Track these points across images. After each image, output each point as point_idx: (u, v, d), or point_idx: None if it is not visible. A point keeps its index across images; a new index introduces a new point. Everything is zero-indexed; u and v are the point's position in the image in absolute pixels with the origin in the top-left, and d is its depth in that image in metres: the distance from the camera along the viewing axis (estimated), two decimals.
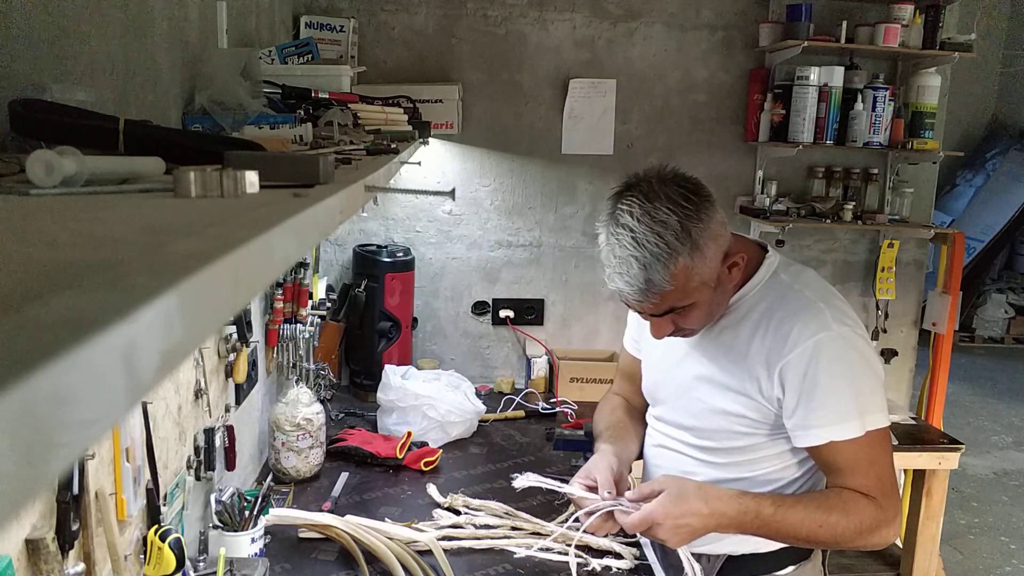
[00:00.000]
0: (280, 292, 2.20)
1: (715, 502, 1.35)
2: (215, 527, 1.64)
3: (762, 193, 3.08)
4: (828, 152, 3.05)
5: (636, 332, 1.75)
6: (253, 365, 2.04)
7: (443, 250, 3.11)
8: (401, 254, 2.94)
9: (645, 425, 1.71)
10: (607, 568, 1.77)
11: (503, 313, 3.14)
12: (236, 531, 1.64)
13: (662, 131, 3.11)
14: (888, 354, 3.30)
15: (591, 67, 3.05)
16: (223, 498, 1.66)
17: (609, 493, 1.43)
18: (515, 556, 1.80)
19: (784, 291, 1.42)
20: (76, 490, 1.10)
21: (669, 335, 1.44)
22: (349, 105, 1.82)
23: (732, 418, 1.45)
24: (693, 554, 1.49)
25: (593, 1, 3.02)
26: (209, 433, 1.65)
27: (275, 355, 2.28)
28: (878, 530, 1.36)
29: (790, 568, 1.51)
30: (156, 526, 1.32)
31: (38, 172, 0.66)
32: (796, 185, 3.16)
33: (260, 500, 1.69)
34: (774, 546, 1.47)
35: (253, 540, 1.65)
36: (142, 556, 1.31)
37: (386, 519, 1.89)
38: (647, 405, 1.70)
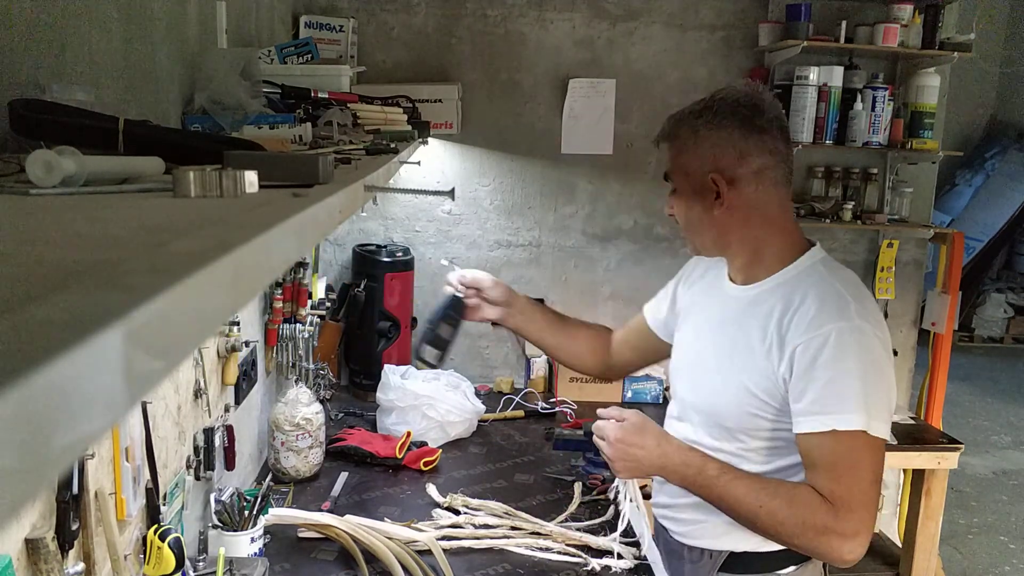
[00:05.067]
0: (280, 292, 2.20)
1: (665, 444, 1.41)
2: (215, 527, 1.64)
3: None
4: (827, 152, 3.05)
5: (668, 314, 1.76)
6: (252, 365, 2.05)
7: (443, 250, 3.11)
8: (401, 254, 2.94)
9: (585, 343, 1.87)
10: (607, 568, 1.77)
11: None
12: (236, 531, 1.64)
13: None
14: None
15: (591, 67, 3.05)
16: (223, 498, 1.66)
17: None
18: (515, 556, 1.80)
19: (818, 280, 1.42)
20: (76, 490, 1.10)
21: (670, 215, 1.52)
22: (348, 105, 1.82)
23: (744, 394, 1.43)
24: (695, 548, 1.49)
25: (593, 1, 3.01)
26: (209, 433, 1.65)
27: (275, 355, 2.28)
28: (826, 538, 1.30)
29: (791, 568, 1.50)
30: (156, 526, 1.32)
31: (38, 172, 0.66)
32: (796, 185, 3.14)
33: (260, 500, 1.69)
34: (775, 546, 1.45)
35: (253, 540, 1.66)
36: (142, 556, 1.32)
37: (386, 519, 1.89)
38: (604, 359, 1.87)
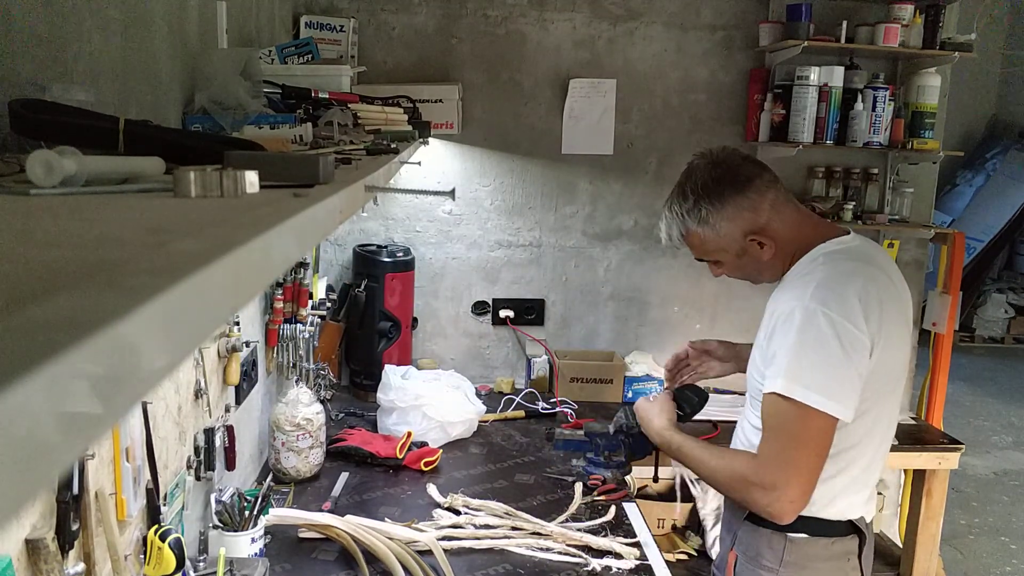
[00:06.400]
0: (280, 292, 2.20)
1: (658, 422, 1.70)
2: (215, 527, 1.64)
3: None
4: (828, 152, 3.04)
5: None
6: (253, 365, 2.04)
7: (443, 250, 3.11)
8: (401, 254, 2.94)
9: None
10: (607, 568, 1.77)
11: (503, 313, 3.14)
12: (236, 531, 1.64)
13: (662, 131, 3.11)
14: None
15: (591, 67, 3.04)
16: (223, 498, 1.65)
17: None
18: (515, 556, 1.80)
19: (810, 268, 1.54)
20: (76, 490, 1.10)
21: (717, 275, 1.70)
22: (349, 105, 1.82)
23: (753, 367, 1.58)
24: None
25: (593, 1, 3.01)
26: (209, 433, 1.65)
27: (275, 355, 2.28)
28: (750, 489, 1.46)
29: (803, 535, 1.53)
30: (156, 526, 1.32)
31: (38, 172, 0.66)
32: (796, 185, 3.16)
33: (260, 500, 1.69)
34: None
35: (253, 540, 1.65)
36: (142, 556, 1.32)
37: (386, 519, 1.89)
38: None
